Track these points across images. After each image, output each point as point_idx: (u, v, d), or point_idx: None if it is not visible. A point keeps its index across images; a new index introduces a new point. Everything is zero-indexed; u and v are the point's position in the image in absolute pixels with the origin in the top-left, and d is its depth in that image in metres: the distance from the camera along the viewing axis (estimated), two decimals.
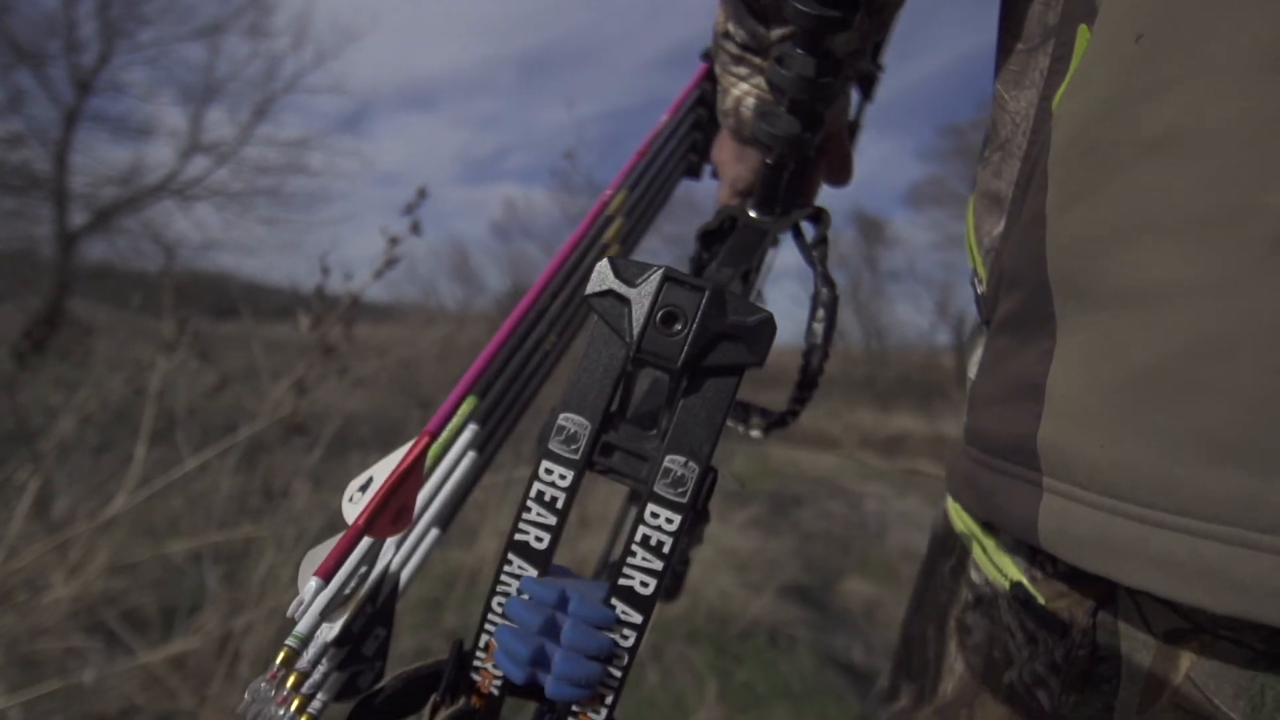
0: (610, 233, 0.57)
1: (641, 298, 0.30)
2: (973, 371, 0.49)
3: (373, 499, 0.34)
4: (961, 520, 0.49)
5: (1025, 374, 0.39)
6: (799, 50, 0.49)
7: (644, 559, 0.31)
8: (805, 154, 0.55)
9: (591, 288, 0.31)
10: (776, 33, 0.52)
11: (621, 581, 0.31)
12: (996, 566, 0.45)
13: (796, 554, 3.84)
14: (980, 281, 0.49)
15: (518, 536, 0.32)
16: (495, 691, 0.33)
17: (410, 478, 0.36)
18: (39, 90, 8.60)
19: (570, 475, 0.31)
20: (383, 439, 2.91)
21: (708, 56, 0.68)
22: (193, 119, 9.68)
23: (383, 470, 0.36)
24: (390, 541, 0.40)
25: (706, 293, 0.29)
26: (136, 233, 9.08)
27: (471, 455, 0.46)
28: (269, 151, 10.37)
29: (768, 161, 0.57)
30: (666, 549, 0.31)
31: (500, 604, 0.32)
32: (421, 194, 1.51)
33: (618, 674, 0.32)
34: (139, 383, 1.61)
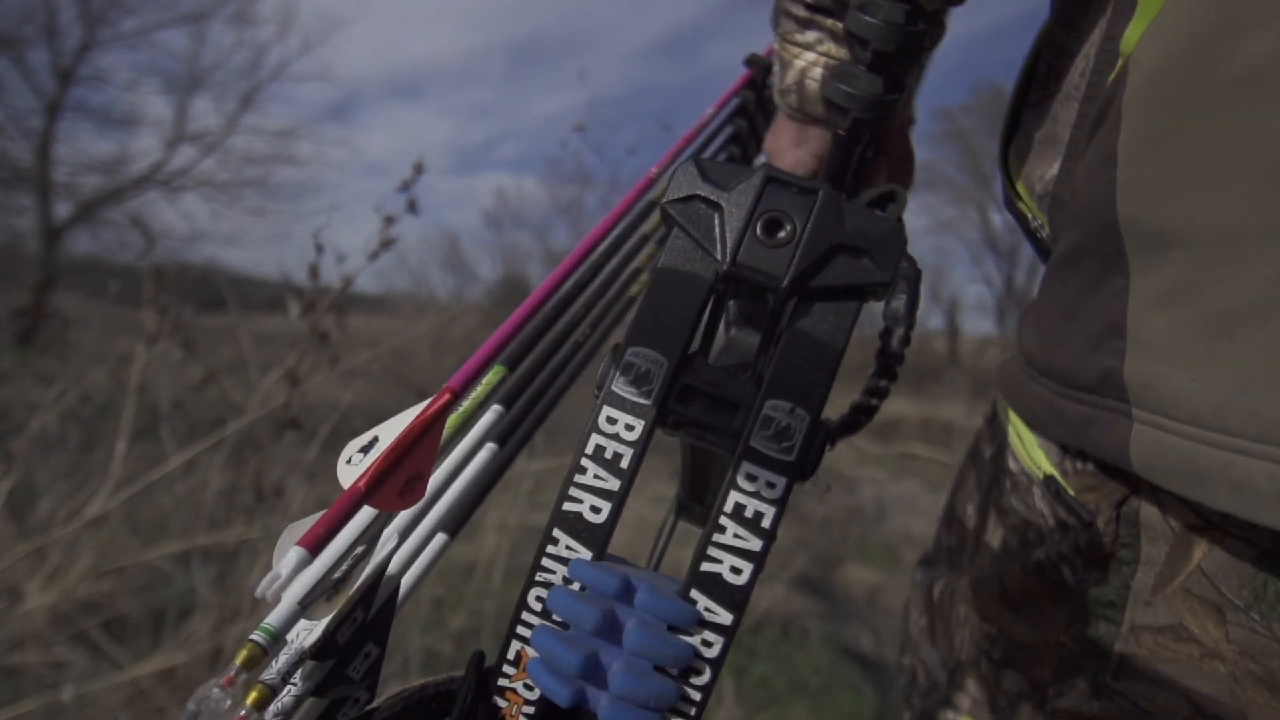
0: (651, 224, 0.50)
1: (738, 201, 0.24)
2: (1035, 293, 0.51)
3: (379, 458, 0.27)
4: (1005, 415, 0.53)
5: (1102, 313, 0.40)
6: None
7: (736, 536, 0.24)
8: (884, 121, 0.48)
9: (673, 193, 0.25)
10: None
11: (705, 568, 0.24)
12: (1032, 459, 0.49)
13: (800, 542, 3.78)
14: (1042, 226, 0.50)
15: (567, 506, 0.25)
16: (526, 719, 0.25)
17: (426, 441, 0.28)
18: (19, 80, 8.45)
19: (640, 425, 0.25)
20: None
21: (751, 63, 0.64)
22: (178, 108, 9.54)
23: (391, 430, 0.29)
24: (389, 534, 0.33)
25: (820, 194, 0.24)
26: (122, 225, 8.94)
27: (491, 448, 0.38)
28: (256, 141, 10.21)
29: (840, 133, 0.49)
30: (767, 522, 0.24)
31: (539, 598, 0.25)
32: (418, 169, 1.42)
33: (697, 696, 0.24)
34: (120, 375, 1.51)
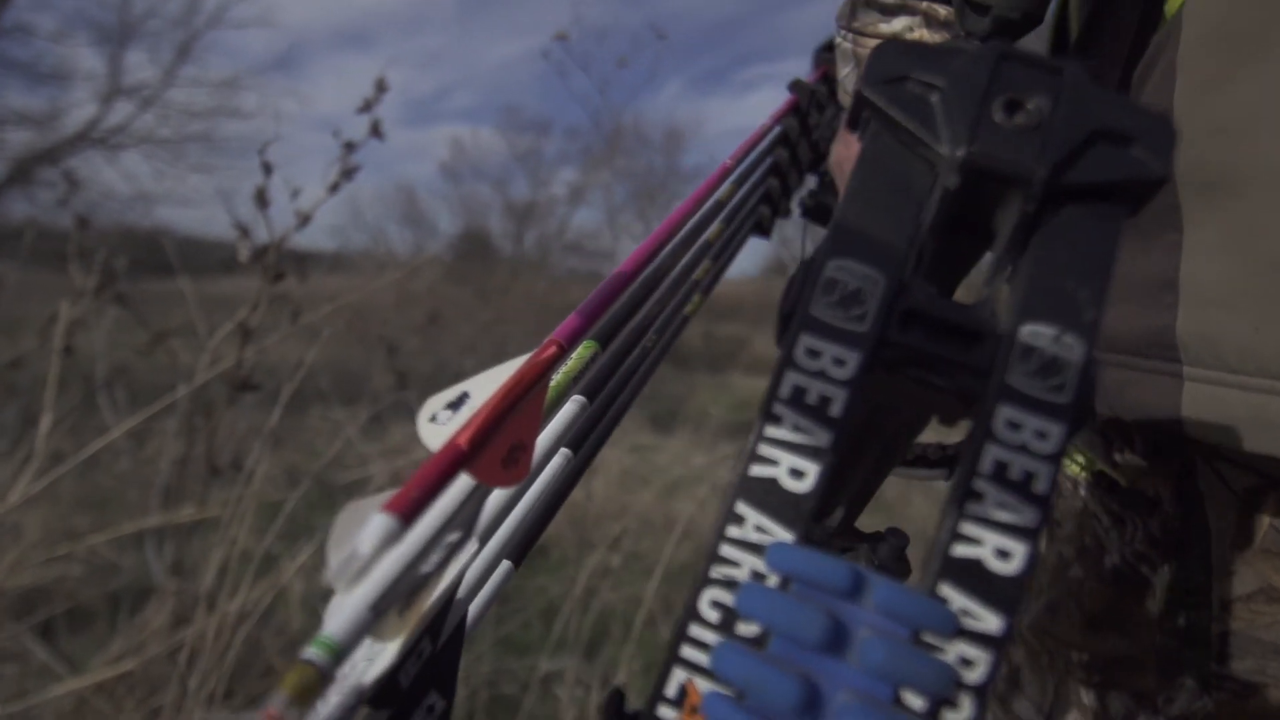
0: (713, 232, 0.46)
1: (964, 79, 0.19)
2: None
3: (479, 414, 0.20)
4: None
5: (1152, 270, 0.40)
6: None
7: (1000, 506, 0.17)
8: None
9: (876, 74, 0.20)
10: None
11: (958, 551, 0.17)
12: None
13: None
14: None
15: (756, 471, 0.18)
16: None
17: (530, 402, 0.22)
18: None
19: (854, 358, 0.19)
20: (344, 391, 2.68)
21: (795, 88, 0.61)
22: (111, 61, 8.95)
23: (484, 385, 0.23)
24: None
25: (1068, 71, 0.19)
26: (59, 186, 8.46)
27: (565, 454, 0.32)
28: (197, 94, 9.66)
29: None
30: (1041, 485, 0.17)
31: (718, 603, 0.18)
32: (381, 87, 1.24)
33: None
34: (45, 338, 1.32)
